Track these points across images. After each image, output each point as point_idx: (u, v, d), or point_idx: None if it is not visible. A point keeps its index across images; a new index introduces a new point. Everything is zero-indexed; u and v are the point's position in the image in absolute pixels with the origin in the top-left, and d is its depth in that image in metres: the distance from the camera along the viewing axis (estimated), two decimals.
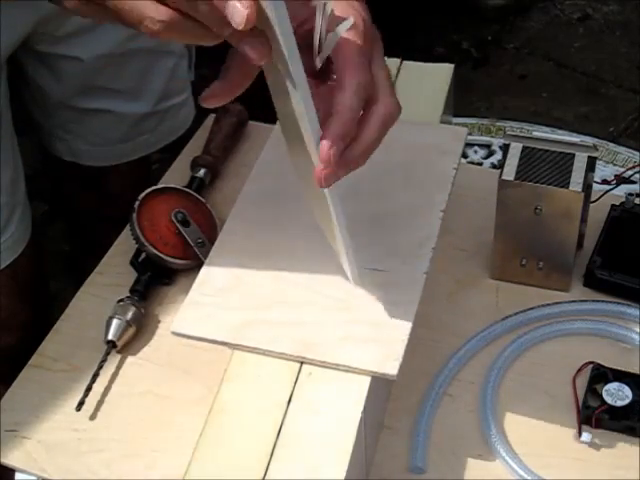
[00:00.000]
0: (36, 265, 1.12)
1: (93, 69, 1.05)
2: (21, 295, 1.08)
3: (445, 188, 0.82)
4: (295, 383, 0.71)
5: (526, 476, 0.75)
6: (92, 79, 1.07)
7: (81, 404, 0.81)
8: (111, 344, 0.84)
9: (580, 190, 0.82)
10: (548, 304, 0.88)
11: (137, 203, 0.92)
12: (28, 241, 1.05)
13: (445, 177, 0.83)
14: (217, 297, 0.75)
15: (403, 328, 0.71)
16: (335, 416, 0.69)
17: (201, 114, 1.16)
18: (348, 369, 0.70)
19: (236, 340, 0.72)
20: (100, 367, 0.83)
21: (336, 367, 0.70)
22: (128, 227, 0.93)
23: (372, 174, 0.72)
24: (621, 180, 0.96)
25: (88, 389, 0.81)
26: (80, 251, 1.36)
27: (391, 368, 0.68)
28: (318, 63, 0.63)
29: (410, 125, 0.84)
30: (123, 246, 0.95)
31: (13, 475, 0.80)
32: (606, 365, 0.81)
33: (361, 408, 0.69)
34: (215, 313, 0.74)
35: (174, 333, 0.73)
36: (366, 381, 0.70)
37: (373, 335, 0.71)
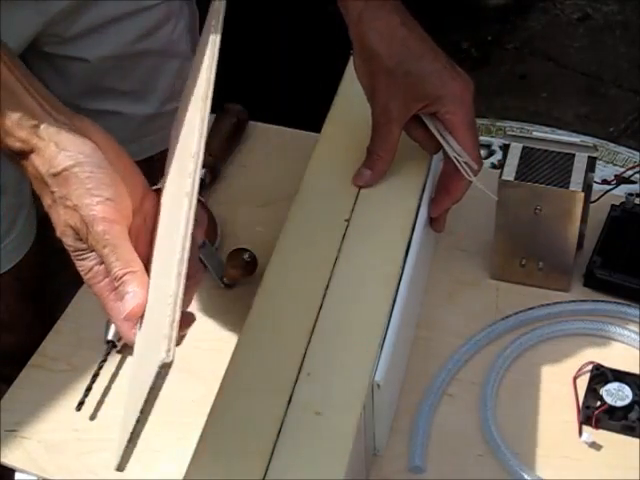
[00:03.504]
0: (40, 265, 1.12)
1: (100, 70, 1.05)
2: (25, 295, 1.08)
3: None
4: (295, 383, 0.71)
5: (526, 476, 0.75)
6: (98, 80, 1.06)
7: (81, 404, 0.81)
8: (111, 344, 0.84)
9: (580, 190, 0.82)
10: (548, 304, 0.88)
11: None
12: (32, 241, 1.05)
13: None
14: None
15: None
16: (335, 416, 0.69)
17: None
18: None
19: None
20: (100, 367, 0.83)
21: None
22: None
23: None
24: (621, 180, 0.96)
25: (88, 389, 0.81)
26: None
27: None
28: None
29: None
30: None
31: (13, 475, 0.80)
32: (606, 365, 0.81)
33: (360, 408, 0.69)
34: None
35: None
36: (365, 382, 0.71)
37: None
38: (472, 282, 0.91)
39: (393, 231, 0.82)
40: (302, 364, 0.72)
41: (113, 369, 0.85)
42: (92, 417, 0.81)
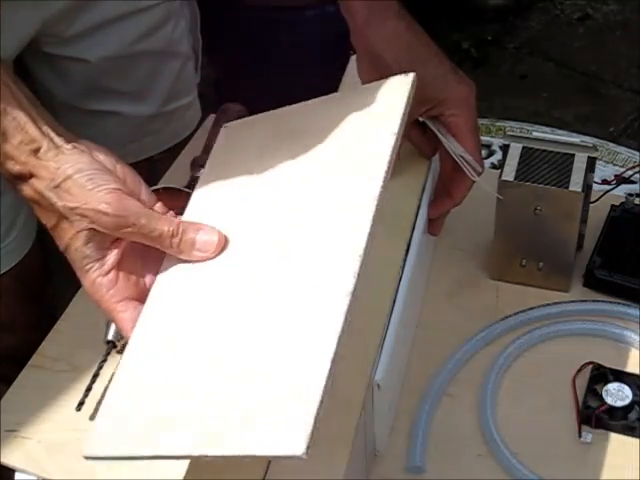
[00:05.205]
0: (41, 266, 1.12)
1: (100, 71, 1.05)
2: (26, 296, 1.08)
3: (378, 170, 0.63)
4: None
5: (526, 476, 0.75)
6: (99, 81, 1.06)
7: (81, 404, 0.81)
8: (111, 344, 0.84)
9: (580, 190, 0.82)
10: (548, 304, 0.88)
11: None
12: (32, 242, 1.05)
13: (380, 152, 0.65)
14: (123, 403, 0.65)
15: (310, 398, 0.57)
16: (335, 416, 0.69)
17: (202, 114, 1.16)
18: (253, 456, 0.58)
19: (142, 452, 0.64)
20: (100, 367, 0.83)
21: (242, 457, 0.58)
22: None
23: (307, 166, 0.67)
24: (621, 180, 0.96)
25: (88, 389, 0.81)
26: None
27: (297, 449, 0.56)
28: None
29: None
30: None
31: (13, 475, 0.80)
32: (606, 365, 0.81)
33: (360, 408, 0.69)
34: (122, 423, 0.65)
35: (87, 457, 0.64)
36: (365, 382, 0.71)
37: (278, 410, 0.58)
38: (472, 282, 0.91)
39: (393, 231, 0.82)
40: None
41: (113, 369, 0.85)
42: (92, 417, 0.81)
